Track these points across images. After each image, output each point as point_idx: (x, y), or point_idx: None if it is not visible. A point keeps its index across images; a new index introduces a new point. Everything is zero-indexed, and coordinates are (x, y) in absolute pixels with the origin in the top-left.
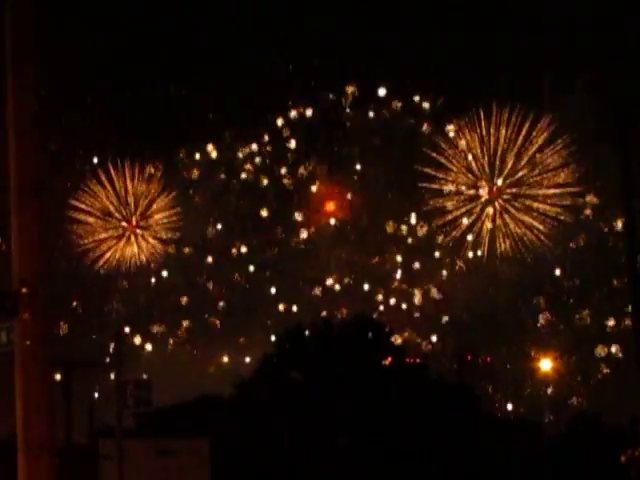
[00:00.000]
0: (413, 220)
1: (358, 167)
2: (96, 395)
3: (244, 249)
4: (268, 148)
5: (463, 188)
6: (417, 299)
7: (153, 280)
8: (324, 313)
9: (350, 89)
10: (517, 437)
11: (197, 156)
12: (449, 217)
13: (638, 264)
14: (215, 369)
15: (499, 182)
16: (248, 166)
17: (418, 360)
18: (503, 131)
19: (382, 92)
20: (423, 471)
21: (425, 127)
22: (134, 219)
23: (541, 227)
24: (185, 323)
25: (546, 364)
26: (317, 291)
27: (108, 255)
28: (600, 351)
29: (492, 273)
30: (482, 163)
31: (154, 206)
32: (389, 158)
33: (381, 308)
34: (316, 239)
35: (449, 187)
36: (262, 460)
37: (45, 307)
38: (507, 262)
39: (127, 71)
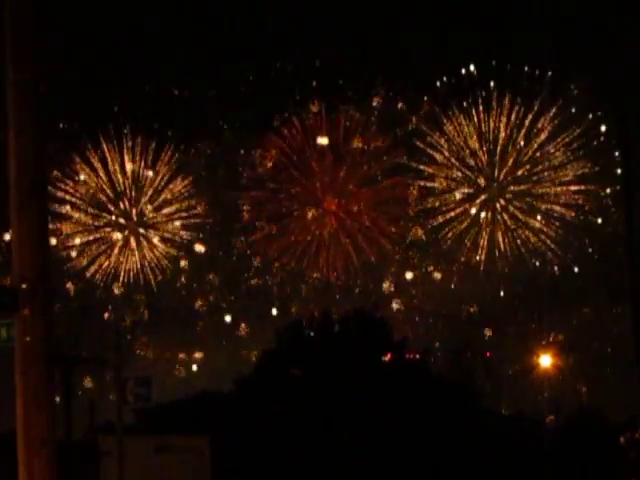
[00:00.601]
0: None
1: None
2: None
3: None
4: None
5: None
6: (416, 294)
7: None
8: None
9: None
10: (517, 433)
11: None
12: (441, 219)
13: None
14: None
15: (500, 178)
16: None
17: (418, 356)
18: (504, 120)
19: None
20: (423, 466)
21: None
22: (135, 212)
23: (547, 230)
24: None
25: (546, 360)
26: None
27: (97, 266)
28: (601, 349)
29: (491, 270)
30: (480, 157)
31: (165, 194)
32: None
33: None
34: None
35: (438, 184)
36: (262, 456)
37: (45, 303)
38: (507, 262)
39: (127, 67)
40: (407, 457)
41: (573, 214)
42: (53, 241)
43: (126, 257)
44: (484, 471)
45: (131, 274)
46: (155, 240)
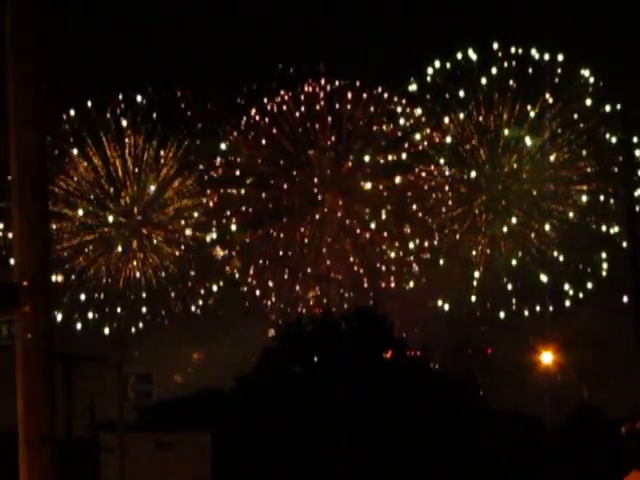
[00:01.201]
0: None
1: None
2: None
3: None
4: None
5: None
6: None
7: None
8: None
9: None
10: (518, 430)
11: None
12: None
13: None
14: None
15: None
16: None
17: (419, 353)
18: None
19: None
20: (424, 463)
21: None
22: (137, 210)
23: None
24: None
25: (547, 357)
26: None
27: (92, 272)
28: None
29: (491, 266)
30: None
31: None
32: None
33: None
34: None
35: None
36: (263, 452)
37: (46, 300)
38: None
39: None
40: (408, 453)
41: (572, 214)
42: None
43: (127, 259)
44: (485, 467)
45: (132, 275)
46: (158, 240)
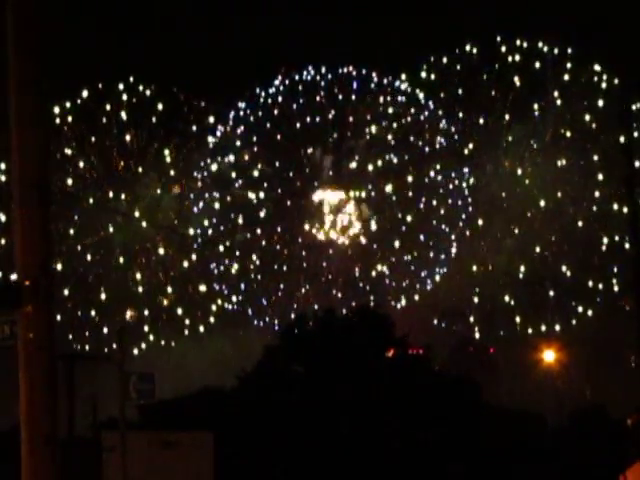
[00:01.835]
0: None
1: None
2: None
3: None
4: None
5: None
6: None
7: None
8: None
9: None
10: (520, 429)
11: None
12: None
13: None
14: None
15: None
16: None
17: (421, 351)
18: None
19: None
20: (425, 462)
21: None
22: (138, 211)
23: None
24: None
25: (549, 355)
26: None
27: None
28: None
29: (492, 264)
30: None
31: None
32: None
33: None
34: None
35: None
36: (265, 451)
37: (48, 299)
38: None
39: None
40: (410, 451)
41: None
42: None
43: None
44: (486, 466)
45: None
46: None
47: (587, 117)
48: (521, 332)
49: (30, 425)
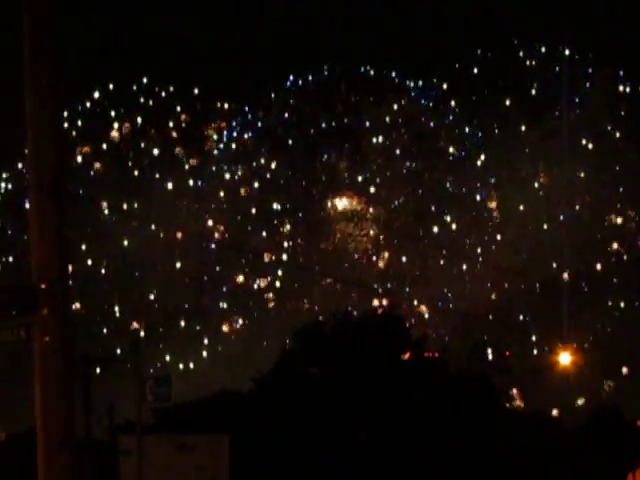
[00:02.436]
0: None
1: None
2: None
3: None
4: None
5: None
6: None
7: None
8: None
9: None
10: (536, 431)
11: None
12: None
13: None
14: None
15: None
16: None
17: (437, 354)
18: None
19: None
20: (442, 465)
21: None
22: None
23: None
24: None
25: (565, 358)
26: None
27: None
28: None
29: (507, 267)
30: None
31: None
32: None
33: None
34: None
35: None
36: (280, 454)
37: (64, 303)
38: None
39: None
40: (426, 455)
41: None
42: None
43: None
44: (503, 469)
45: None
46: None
47: (609, 126)
48: (537, 335)
49: (46, 428)
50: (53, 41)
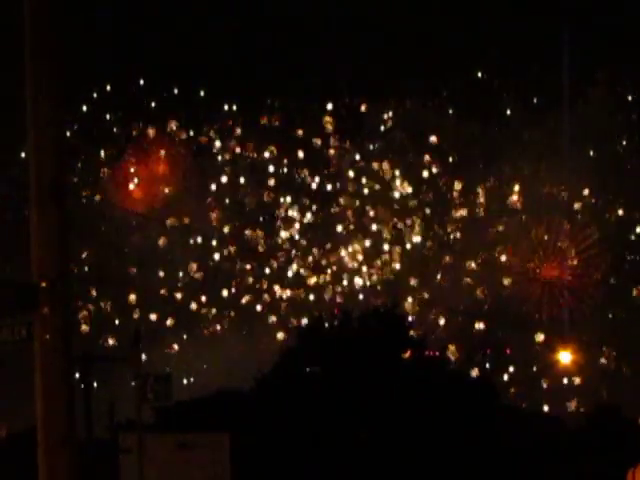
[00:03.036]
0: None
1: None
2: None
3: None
4: None
5: None
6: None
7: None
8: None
9: None
10: (537, 429)
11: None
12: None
13: None
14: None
15: None
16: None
17: (437, 353)
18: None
19: None
20: (443, 464)
21: None
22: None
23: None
24: None
25: (565, 357)
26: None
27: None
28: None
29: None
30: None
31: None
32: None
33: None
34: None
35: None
36: (281, 453)
37: (65, 301)
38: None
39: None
40: (427, 454)
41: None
42: None
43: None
44: (504, 468)
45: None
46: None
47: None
48: (538, 334)
49: (46, 426)
50: (54, 41)
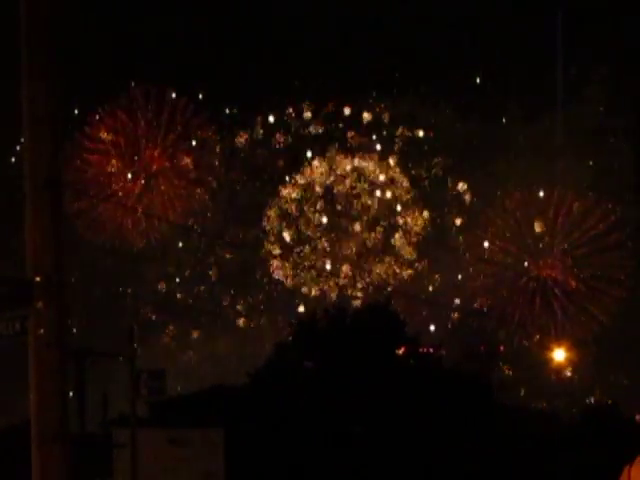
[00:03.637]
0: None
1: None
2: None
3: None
4: None
5: None
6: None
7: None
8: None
9: None
10: (532, 427)
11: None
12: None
13: None
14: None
15: None
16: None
17: (432, 350)
18: None
19: None
20: (437, 460)
21: None
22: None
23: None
24: None
25: (560, 354)
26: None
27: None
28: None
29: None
30: None
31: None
32: None
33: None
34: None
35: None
36: (276, 449)
37: (59, 296)
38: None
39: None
40: (422, 450)
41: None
42: None
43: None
44: (499, 464)
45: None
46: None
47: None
48: (533, 332)
49: (39, 421)
50: (50, 33)
